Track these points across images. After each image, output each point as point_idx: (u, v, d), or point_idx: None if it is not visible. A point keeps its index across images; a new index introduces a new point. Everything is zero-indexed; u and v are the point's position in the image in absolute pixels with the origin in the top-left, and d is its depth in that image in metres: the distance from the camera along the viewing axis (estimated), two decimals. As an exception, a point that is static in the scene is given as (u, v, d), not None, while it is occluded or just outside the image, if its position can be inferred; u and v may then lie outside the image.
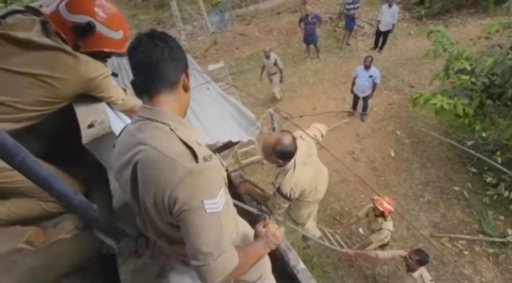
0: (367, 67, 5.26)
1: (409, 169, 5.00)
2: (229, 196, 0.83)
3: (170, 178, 0.68)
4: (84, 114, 1.13)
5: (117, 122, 1.23)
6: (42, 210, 1.15)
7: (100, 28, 1.09)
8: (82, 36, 1.08)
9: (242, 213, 1.37)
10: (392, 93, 6.57)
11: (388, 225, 3.14)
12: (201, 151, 0.72)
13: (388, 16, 6.95)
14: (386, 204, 3.03)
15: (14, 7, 1.14)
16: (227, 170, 2.29)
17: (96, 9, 1.08)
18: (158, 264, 1.15)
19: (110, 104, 1.24)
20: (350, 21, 7.43)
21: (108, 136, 1.04)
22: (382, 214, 3.07)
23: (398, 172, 4.98)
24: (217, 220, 0.72)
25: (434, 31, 3.94)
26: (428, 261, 2.80)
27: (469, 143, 5.06)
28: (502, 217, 4.14)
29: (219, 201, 0.72)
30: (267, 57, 6.02)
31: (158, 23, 11.06)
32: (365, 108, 5.89)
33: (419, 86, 6.59)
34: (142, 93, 0.80)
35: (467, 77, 3.49)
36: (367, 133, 5.78)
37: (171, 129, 0.75)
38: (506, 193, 4.22)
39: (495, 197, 4.30)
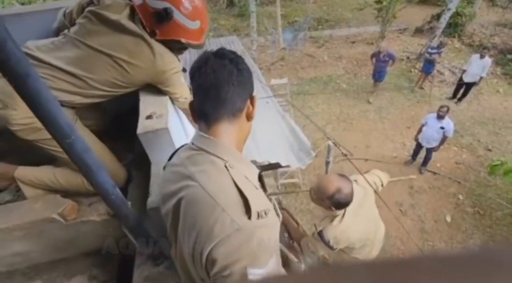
0: (440, 117, 4.73)
1: (465, 243, 4.30)
2: (280, 262, 0.66)
3: (215, 231, 0.57)
4: (146, 103, 1.12)
5: (175, 119, 1.20)
6: (83, 187, 1.16)
7: (178, 16, 1.08)
8: (159, 23, 1.07)
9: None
10: (462, 151, 5.83)
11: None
12: (257, 204, 0.60)
13: (477, 67, 6.28)
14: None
15: None
16: (265, 190, 2.17)
17: None
18: (174, 278, 1.06)
19: (172, 100, 1.22)
20: (428, 65, 6.91)
21: (162, 132, 1.00)
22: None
23: (451, 242, 4.32)
24: None
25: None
26: None
27: (552, 234, 4.19)
28: None
29: (267, 271, 0.57)
30: None
31: (235, 30, 11.67)
32: (426, 160, 5.30)
33: (498, 151, 5.76)
34: (201, 118, 0.70)
35: None
36: (422, 188, 5.18)
37: (226, 167, 0.65)
38: None
39: None
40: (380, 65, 6.71)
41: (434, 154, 5.24)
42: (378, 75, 6.96)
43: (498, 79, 7.95)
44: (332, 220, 1.56)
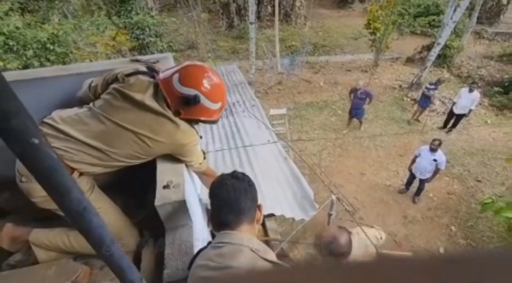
0: (432, 150, 4.89)
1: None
2: None
3: None
4: (163, 171, 1.17)
5: (190, 185, 1.25)
6: None
7: (204, 101, 1.15)
8: (185, 105, 1.14)
9: None
10: (454, 181, 5.98)
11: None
12: None
13: (466, 100, 6.56)
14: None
15: (139, 66, 1.27)
16: (267, 235, 2.20)
17: (204, 83, 1.14)
18: None
19: (187, 165, 1.27)
20: (425, 99, 7.15)
21: (180, 204, 1.04)
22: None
23: (444, 275, 4.34)
24: None
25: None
26: None
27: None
28: None
29: None
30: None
31: (233, 52, 11.97)
32: (419, 190, 5.41)
33: (487, 182, 5.91)
34: (222, 228, 0.86)
35: (558, 201, 3.00)
36: (416, 218, 5.25)
37: (252, 250, 0.78)
38: None
39: None
40: (357, 102, 6.77)
41: (426, 184, 5.36)
42: (354, 112, 7.01)
43: (486, 110, 8.28)
44: None
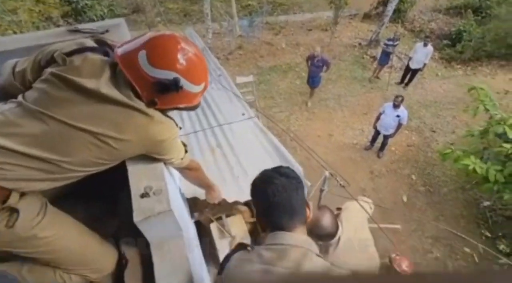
0: (396, 106, 5.08)
1: (420, 220, 4.82)
2: None
3: None
4: (137, 175, 0.92)
5: (173, 187, 1.03)
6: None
7: (185, 84, 0.90)
8: (161, 93, 0.88)
9: None
10: (412, 134, 6.40)
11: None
12: None
13: (421, 54, 6.80)
14: (404, 267, 2.84)
15: (83, 40, 0.93)
16: (254, 215, 2.09)
17: (180, 60, 0.88)
18: None
19: (165, 163, 1.03)
20: (385, 57, 7.23)
21: (165, 215, 0.83)
22: (398, 276, 2.88)
23: (408, 221, 4.79)
24: None
25: (477, 88, 3.77)
26: None
27: (486, 203, 4.90)
28: (511, 291, 3.96)
29: None
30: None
31: (185, 14, 10.89)
32: (383, 146, 5.71)
33: (440, 132, 6.44)
34: (275, 230, 0.79)
35: (509, 145, 3.32)
36: (381, 172, 5.61)
37: (318, 255, 0.75)
38: (518, 266, 4.05)
39: (505, 267, 4.12)
40: (314, 70, 6.43)
41: (390, 140, 5.67)
42: (312, 81, 6.67)
43: (436, 63, 8.76)
44: (326, 251, 1.57)
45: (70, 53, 0.86)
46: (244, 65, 8.25)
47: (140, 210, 0.83)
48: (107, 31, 1.13)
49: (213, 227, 1.73)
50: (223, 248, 1.67)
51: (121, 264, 0.99)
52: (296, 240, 0.76)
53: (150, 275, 0.88)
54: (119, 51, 0.88)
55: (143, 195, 0.86)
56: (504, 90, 7.62)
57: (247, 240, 1.80)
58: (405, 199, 5.14)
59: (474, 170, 3.43)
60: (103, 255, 0.99)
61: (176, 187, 1.16)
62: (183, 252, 0.88)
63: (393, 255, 2.99)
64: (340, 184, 1.66)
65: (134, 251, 0.99)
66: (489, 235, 4.54)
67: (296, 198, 0.79)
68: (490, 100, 3.63)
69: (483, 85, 3.94)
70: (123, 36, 1.14)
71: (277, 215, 0.78)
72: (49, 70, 0.84)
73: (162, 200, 0.85)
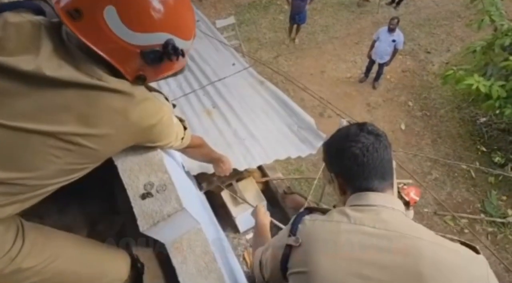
0: (391, 30, 4.69)
1: (419, 145, 4.90)
2: None
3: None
4: (131, 171, 0.72)
5: (178, 173, 0.84)
6: None
7: (179, 44, 0.64)
8: (151, 64, 0.63)
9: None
10: (406, 58, 6.12)
11: (410, 214, 3.08)
12: None
13: (414, -35, 6.07)
14: (412, 195, 2.91)
15: None
16: (266, 175, 1.98)
17: (168, 13, 0.62)
18: None
19: (162, 148, 0.82)
20: None
21: (178, 215, 0.67)
22: (406, 204, 2.97)
23: (408, 147, 4.87)
24: None
25: (482, -4, 3.40)
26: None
27: (482, 119, 4.94)
28: (504, 198, 4.25)
29: None
30: None
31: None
32: (378, 75, 5.48)
33: (435, 52, 6.15)
34: (360, 191, 0.71)
35: (515, 58, 3.12)
36: (378, 102, 5.49)
37: (404, 213, 0.68)
38: (511, 174, 4.27)
39: (500, 178, 4.35)
40: (298, 4, 5.61)
41: (385, 68, 5.41)
42: (298, 17, 5.89)
43: (429, -27, 7.93)
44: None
45: None
46: (220, 4, 7.36)
47: (144, 215, 0.66)
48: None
49: (225, 194, 1.62)
50: (239, 214, 1.59)
51: (137, 268, 0.87)
52: (390, 202, 0.68)
53: (173, 274, 0.76)
54: (62, 3, 0.59)
55: (145, 196, 0.69)
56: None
57: (260, 201, 1.71)
58: (403, 126, 5.14)
59: (477, 89, 3.30)
60: (114, 264, 0.86)
61: (178, 169, 0.98)
62: (207, 247, 0.75)
63: (400, 185, 3.04)
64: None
65: (149, 251, 0.86)
66: (484, 149, 4.67)
67: (388, 159, 0.71)
68: (497, 9, 3.30)
69: (489, -8, 3.54)
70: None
71: (367, 177, 0.70)
72: None
73: (169, 197, 0.68)
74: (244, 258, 1.61)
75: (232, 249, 1.62)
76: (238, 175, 1.63)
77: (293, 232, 0.71)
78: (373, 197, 0.68)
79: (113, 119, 0.63)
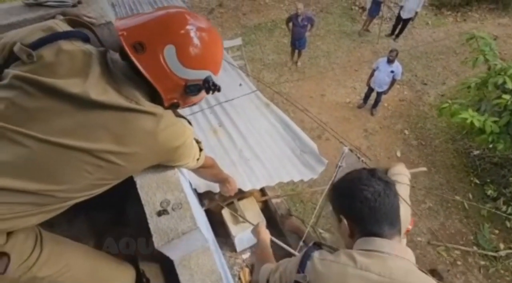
0: (390, 61, 4.90)
1: (414, 173, 4.97)
2: None
3: None
4: (149, 188, 0.76)
5: (190, 193, 0.87)
6: None
7: (214, 79, 0.72)
8: (190, 94, 0.70)
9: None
10: (404, 88, 6.32)
11: (403, 243, 3.08)
12: None
13: (413, 2, 6.42)
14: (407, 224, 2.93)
15: (52, 23, 0.68)
16: (265, 194, 2.00)
17: (214, 56, 0.74)
18: None
19: (178, 167, 0.86)
20: (375, 7, 6.77)
21: (192, 234, 0.70)
22: (400, 232, 2.98)
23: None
24: None
25: (476, 37, 3.60)
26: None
27: (476, 152, 5.06)
28: (497, 231, 4.28)
29: None
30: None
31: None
32: (376, 103, 5.64)
33: (431, 84, 6.38)
34: (369, 235, 0.72)
35: (508, 96, 3.27)
36: (375, 129, 5.61)
37: (411, 262, 0.69)
38: (503, 208, 4.33)
39: (493, 211, 4.40)
40: (299, 31, 5.80)
41: (383, 96, 5.58)
42: (298, 43, 6.10)
43: (427, 10, 8.36)
44: None
45: (36, 45, 0.63)
46: (227, 24, 7.64)
47: (160, 232, 0.69)
48: (79, 2, 0.84)
49: (225, 213, 1.64)
50: (238, 233, 1.60)
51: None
52: (397, 250, 0.69)
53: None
54: (127, 36, 0.66)
55: (161, 213, 0.72)
56: (493, 35, 7.47)
57: (259, 220, 1.72)
58: (399, 154, 5.23)
59: (472, 123, 3.42)
60: (118, 278, 0.87)
61: (190, 188, 1.01)
62: (214, 266, 0.77)
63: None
64: (362, 161, 1.57)
65: (155, 267, 0.87)
66: (477, 181, 4.76)
67: (397, 206, 0.74)
68: (491, 50, 3.49)
69: (483, 34, 3.76)
70: (103, 8, 0.87)
71: (377, 221, 0.71)
72: (11, 71, 0.62)
73: (185, 216, 0.71)
74: (239, 278, 1.60)
75: (228, 268, 1.61)
76: (240, 194, 1.65)
77: (302, 268, 0.73)
78: (381, 244, 0.69)
79: (144, 139, 0.68)
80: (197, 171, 1.05)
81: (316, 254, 0.74)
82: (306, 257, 0.74)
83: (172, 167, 0.83)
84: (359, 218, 0.73)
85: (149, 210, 0.73)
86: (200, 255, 0.79)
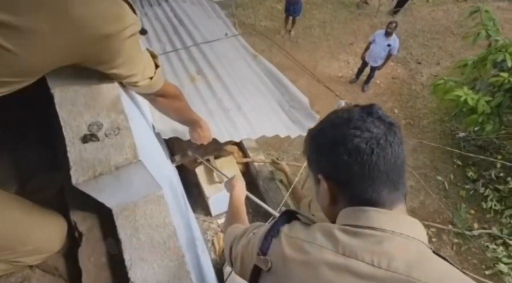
0: (388, 34, 4.65)
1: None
2: None
3: None
4: (73, 103, 0.53)
5: (139, 121, 0.64)
6: None
7: None
8: None
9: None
10: (398, 66, 6.15)
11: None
12: None
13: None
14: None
15: None
16: (246, 156, 1.81)
17: None
18: None
19: (124, 85, 0.62)
20: None
21: (132, 170, 0.49)
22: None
23: (388, 153, 4.89)
24: None
25: (481, 11, 3.40)
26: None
27: (461, 134, 5.05)
28: (473, 212, 4.37)
29: None
30: None
31: None
32: (369, 78, 5.46)
33: (425, 63, 6.23)
34: (365, 203, 0.48)
35: (505, 74, 3.15)
36: (365, 105, 5.48)
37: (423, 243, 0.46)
38: (481, 190, 4.42)
39: (471, 192, 4.48)
40: None
41: (376, 72, 5.39)
42: (292, 9, 5.67)
43: (428, -14, 8.03)
44: None
45: None
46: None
47: (82, 163, 0.47)
48: None
49: (200, 171, 1.44)
50: (213, 195, 1.41)
51: (74, 238, 0.67)
52: (400, 224, 0.46)
53: (118, 255, 0.58)
54: None
55: (87, 138, 0.49)
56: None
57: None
58: (386, 132, 5.16)
59: (465, 101, 3.31)
60: (43, 230, 0.66)
61: (146, 124, 0.78)
62: (167, 219, 0.57)
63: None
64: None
65: (91, 219, 0.66)
66: (460, 163, 4.79)
67: (403, 160, 0.49)
68: (494, 25, 3.31)
69: (488, 7, 3.55)
70: None
71: (373, 183, 0.47)
72: None
73: (122, 145, 0.49)
74: (213, 244, 1.45)
75: (201, 233, 1.44)
76: (216, 151, 1.45)
77: (264, 248, 0.52)
78: (376, 216, 0.46)
79: (50, 6, 0.43)
80: (155, 100, 0.81)
81: (285, 229, 0.53)
82: (271, 232, 0.53)
83: (110, 79, 0.59)
84: (345, 178, 0.49)
85: (71, 135, 0.50)
86: (149, 204, 0.59)
